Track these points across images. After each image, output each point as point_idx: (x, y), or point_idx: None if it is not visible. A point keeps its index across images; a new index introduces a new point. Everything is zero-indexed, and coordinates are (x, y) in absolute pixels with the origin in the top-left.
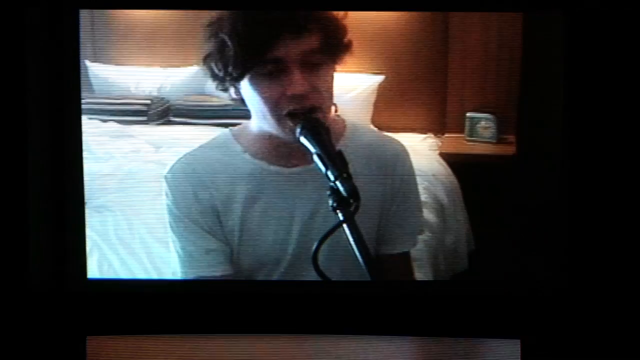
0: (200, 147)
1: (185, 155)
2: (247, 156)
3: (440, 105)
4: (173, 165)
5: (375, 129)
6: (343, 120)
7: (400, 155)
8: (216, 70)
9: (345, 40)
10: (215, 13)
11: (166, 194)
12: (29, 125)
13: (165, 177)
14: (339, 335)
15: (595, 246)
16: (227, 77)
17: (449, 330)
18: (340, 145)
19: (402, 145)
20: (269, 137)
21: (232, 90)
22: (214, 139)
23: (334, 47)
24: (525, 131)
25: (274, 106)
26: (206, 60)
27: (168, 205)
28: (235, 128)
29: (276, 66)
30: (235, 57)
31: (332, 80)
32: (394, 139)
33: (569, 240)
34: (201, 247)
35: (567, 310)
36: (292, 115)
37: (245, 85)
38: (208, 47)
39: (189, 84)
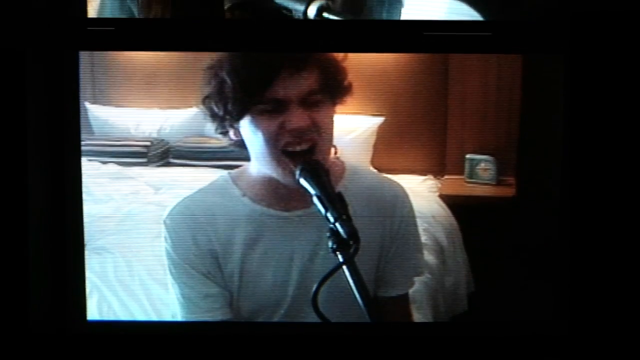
0: (199, 190)
1: (183, 199)
2: (246, 200)
3: (439, 147)
4: (172, 210)
5: (375, 170)
6: (342, 162)
7: (400, 197)
8: (216, 110)
9: (345, 82)
10: (215, 55)
11: (165, 238)
12: (29, 167)
13: (164, 221)
14: None
15: (597, 289)
16: (227, 116)
17: None
18: (339, 187)
19: (401, 187)
20: (268, 180)
21: (231, 132)
22: (212, 183)
23: (334, 89)
24: (525, 173)
25: (273, 146)
26: (205, 100)
27: (167, 249)
28: (234, 171)
29: (276, 106)
30: (234, 96)
31: (332, 121)
32: (393, 180)
33: (570, 283)
34: (200, 292)
35: (567, 353)
36: (291, 155)
37: (244, 125)
38: (207, 89)
39: (189, 125)
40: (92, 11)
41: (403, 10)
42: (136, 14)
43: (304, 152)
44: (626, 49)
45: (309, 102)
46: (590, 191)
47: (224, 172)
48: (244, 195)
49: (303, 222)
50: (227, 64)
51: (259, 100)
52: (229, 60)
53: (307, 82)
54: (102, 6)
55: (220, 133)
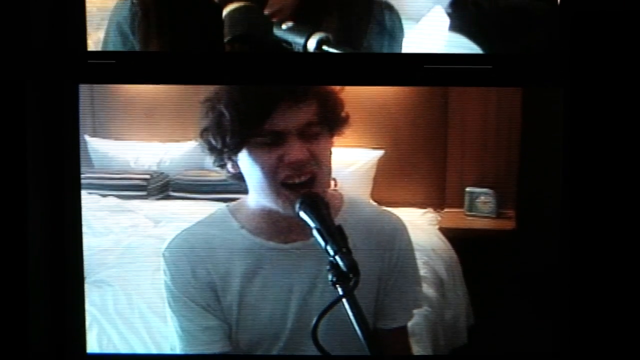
0: (197, 223)
1: (182, 232)
2: (244, 232)
3: (439, 179)
4: (170, 242)
5: (374, 203)
6: (340, 194)
7: (398, 230)
8: (214, 143)
9: (343, 113)
10: (213, 88)
11: (164, 271)
12: (29, 199)
13: (163, 254)
14: None
15: (597, 322)
16: (225, 149)
17: None
18: (337, 219)
19: (400, 220)
20: (267, 212)
21: (229, 164)
22: (211, 215)
23: (332, 120)
24: (524, 206)
25: (272, 177)
26: (203, 133)
27: (166, 282)
28: (232, 204)
29: (274, 138)
30: (232, 129)
31: (331, 153)
32: (391, 213)
33: (570, 315)
34: (199, 325)
35: None
36: (290, 187)
37: (243, 158)
38: (205, 121)
39: (189, 158)
40: (92, 44)
41: (404, 42)
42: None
43: (303, 184)
44: (625, 84)
45: (308, 134)
46: (590, 224)
47: (222, 205)
48: (242, 227)
49: (302, 254)
50: (225, 96)
51: (257, 133)
52: (227, 93)
53: (305, 114)
54: (105, 40)
55: (219, 166)
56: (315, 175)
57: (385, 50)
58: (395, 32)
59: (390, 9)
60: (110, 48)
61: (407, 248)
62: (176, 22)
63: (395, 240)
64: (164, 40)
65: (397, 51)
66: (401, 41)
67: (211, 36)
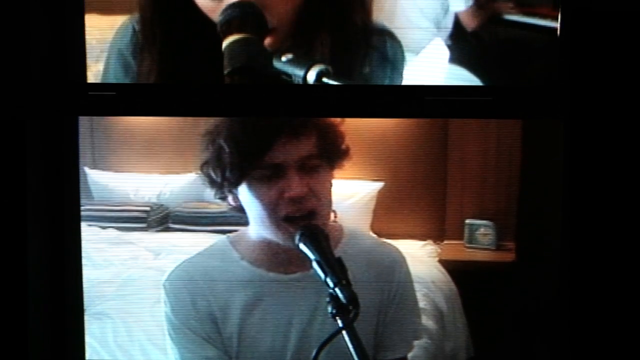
0: (198, 254)
1: (182, 263)
2: (244, 263)
3: (439, 211)
4: (171, 273)
5: (374, 235)
6: (340, 226)
7: (398, 262)
8: (214, 176)
9: (343, 146)
10: (213, 121)
11: (164, 301)
12: (28, 231)
13: (164, 285)
14: None
15: (598, 355)
16: (225, 182)
17: None
18: (337, 251)
19: (399, 252)
20: (267, 244)
21: (230, 197)
22: (211, 246)
23: (332, 153)
24: (524, 238)
25: (273, 211)
26: (204, 167)
27: (166, 313)
28: (233, 235)
29: (274, 171)
30: (232, 163)
31: (331, 185)
32: (391, 245)
33: (570, 349)
34: (199, 356)
35: None
36: (290, 220)
37: (243, 191)
38: (205, 154)
39: (188, 190)
40: (92, 77)
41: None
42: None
43: (304, 217)
44: (626, 117)
45: (308, 167)
46: (590, 257)
47: (223, 236)
48: (242, 258)
49: (302, 286)
50: (225, 130)
51: (257, 166)
52: (227, 126)
53: (305, 146)
54: (106, 67)
55: (219, 198)
56: (315, 208)
57: (387, 79)
58: (397, 61)
59: (392, 37)
60: (111, 75)
61: (406, 280)
62: (177, 52)
63: (395, 272)
64: (164, 69)
65: (398, 80)
66: (402, 70)
67: (211, 68)
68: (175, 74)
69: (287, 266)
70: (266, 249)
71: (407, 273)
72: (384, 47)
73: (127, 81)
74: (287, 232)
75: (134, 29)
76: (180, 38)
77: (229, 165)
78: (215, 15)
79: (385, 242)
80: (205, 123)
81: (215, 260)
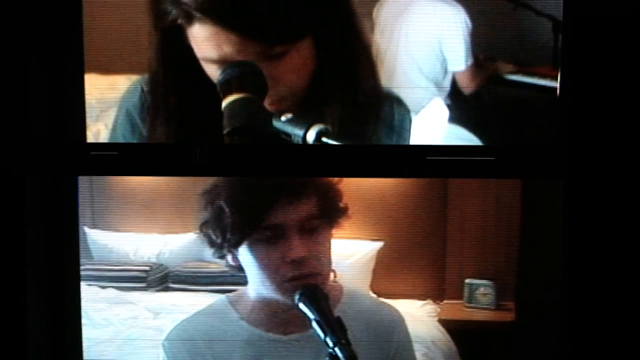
0: (197, 313)
1: (181, 322)
2: (243, 323)
3: (439, 271)
4: (170, 332)
5: (373, 295)
6: (340, 286)
7: (397, 322)
8: (214, 237)
9: (342, 204)
10: (211, 180)
11: None
12: (28, 291)
13: (163, 344)
14: None
15: None
16: (225, 243)
17: None
18: (336, 311)
19: (398, 312)
20: (266, 304)
21: (229, 257)
22: (210, 306)
23: (331, 212)
24: (524, 297)
25: (273, 272)
26: (203, 227)
27: None
28: (232, 294)
29: (274, 232)
30: (233, 224)
31: (330, 245)
32: (390, 305)
33: None
34: None
35: None
36: (291, 281)
37: (243, 252)
38: (205, 215)
39: (188, 250)
40: (92, 136)
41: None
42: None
43: (304, 277)
44: (625, 178)
45: (308, 228)
46: (591, 317)
47: (221, 296)
48: (241, 318)
49: (301, 346)
50: (225, 191)
51: (257, 227)
52: (226, 187)
53: (305, 206)
54: (114, 127)
55: (219, 257)
56: (315, 269)
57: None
58: (403, 127)
59: (400, 103)
60: (119, 134)
61: (405, 340)
62: (184, 112)
63: (394, 333)
64: (171, 130)
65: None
66: (408, 137)
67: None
68: (182, 132)
69: (286, 326)
70: (265, 308)
71: (406, 333)
72: (392, 113)
73: (134, 140)
74: (286, 292)
75: (142, 89)
76: (189, 96)
77: (230, 226)
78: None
79: (384, 302)
80: (204, 183)
81: (214, 320)
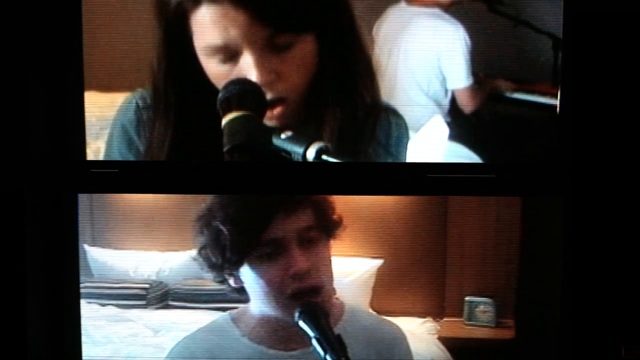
0: (199, 330)
1: (184, 339)
2: (245, 340)
3: (439, 289)
4: (172, 349)
5: (373, 312)
6: (342, 303)
7: (398, 339)
8: (214, 260)
9: (335, 216)
10: (204, 205)
11: None
12: (27, 309)
13: None
14: None
15: None
16: (226, 264)
17: None
18: (338, 328)
19: (399, 329)
20: (268, 321)
21: (231, 280)
22: (212, 322)
23: (326, 224)
24: (524, 315)
25: (276, 288)
26: (202, 251)
27: None
28: (235, 312)
29: (274, 247)
30: (232, 243)
31: (330, 258)
32: (391, 322)
33: None
34: None
35: None
36: (295, 296)
37: (245, 271)
38: (201, 239)
39: (188, 268)
40: (92, 154)
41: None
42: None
43: (308, 292)
44: (625, 195)
45: (307, 240)
46: (591, 335)
47: (224, 313)
48: (243, 335)
49: None
50: (220, 212)
51: (257, 244)
52: (221, 208)
53: (302, 219)
54: (109, 142)
55: (218, 282)
56: (318, 283)
57: (391, 158)
58: (401, 139)
59: (397, 115)
60: (115, 150)
61: (407, 357)
62: (180, 129)
63: (395, 350)
64: (164, 149)
65: (402, 158)
66: (406, 149)
67: (211, 146)
68: (179, 149)
69: (287, 343)
70: (267, 325)
71: (408, 351)
72: (389, 126)
73: (130, 157)
74: (286, 309)
75: (137, 104)
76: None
77: (229, 246)
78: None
79: (385, 319)
80: (197, 208)
81: (216, 337)
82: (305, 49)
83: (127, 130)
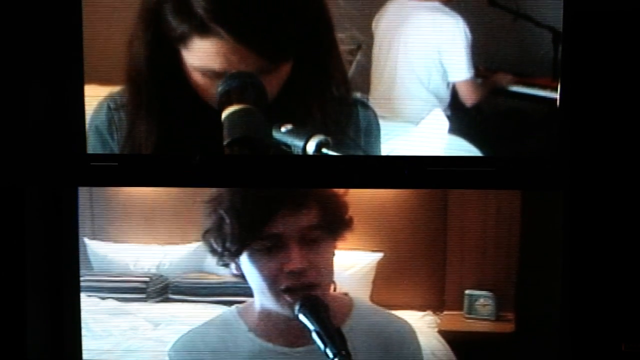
0: (205, 324)
1: (189, 332)
2: (251, 335)
3: (439, 282)
4: (175, 342)
5: (382, 308)
6: (350, 299)
7: (407, 335)
8: (215, 246)
9: (347, 216)
10: (215, 189)
11: None
12: (28, 302)
13: (168, 354)
14: None
15: None
16: (226, 252)
17: None
18: (346, 325)
19: (408, 325)
20: (269, 315)
21: (233, 266)
22: (219, 316)
23: (334, 224)
24: (524, 308)
25: (272, 282)
26: (205, 236)
27: None
28: (241, 306)
29: (275, 241)
30: (233, 234)
31: (332, 257)
32: (400, 318)
33: None
34: None
35: None
36: (290, 291)
37: (244, 262)
38: (207, 223)
39: (188, 261)
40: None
41: (403, 146)
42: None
43: (303, 288)
44: (625, 189)
45: (308, 239)
46: (590, 327)
47: (226, 307)
48: (249, 330)
49: (305, 358)
50: (226, 200)
51: (257, 237)
52: (228, 197)
53: (305, 217)
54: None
55: (222, 265)
56: (315, 280)
57: (361, 151)
58: (371, 129)
59: (365, 106)
60: (91, 150)
61: (416, 352)
62: (169, 124)
63: (404, 346)
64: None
65: (375, 151)
66: (379, 138)
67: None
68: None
69: (292, 339)
70: (269, 320)
71: (418, 347)
72: (357, 116)
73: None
74: (286, 303)
75: (109, 107)
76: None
77: (230, 236)
78: (209, 95)
79: (394, 315)
80: (206, 195)
81: (221, 331)
82: (286, 68)
83: (100, 131)
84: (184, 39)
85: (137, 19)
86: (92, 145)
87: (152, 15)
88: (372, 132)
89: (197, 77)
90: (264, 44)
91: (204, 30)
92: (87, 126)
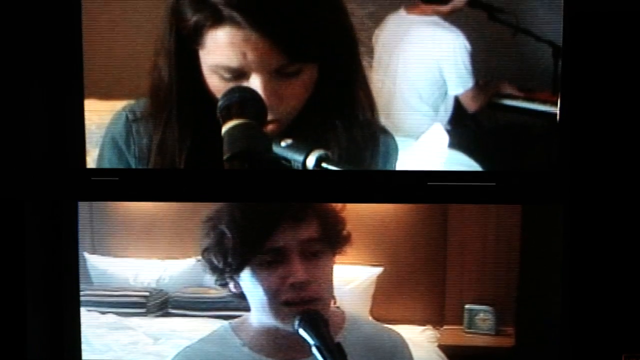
0: (200, 340)
1: (184, 349)
2: (246, 350)
3: (439, 297)
4: (173, 359)
5: (375, 320)
6: (342, 312)
7: (399, 347)
8: (215, 262)
9: (345, 232)
10: (214, 207)
11: None
12: (27, 316)
13: None
14: None
15: None
16: (227, 268)
17: None
18: (339, 336)
19: (401, 337)
20: (268, 330)
21: (231, 284)
22: (213, 332)
23: (333, 238)
24: (524, 323)
25: (273, 297)
26: (205, 253)
27: None
28: (235, 321)
29: (275, 256)
30: (234, 248)
31: (332, 271)
32: (392, 330)
33: None
34: None
35: None
36: (290, 306)
37: (244, 278)
38: (207, 241)
39: (188, 275)
40: (92, 162)
41: (403, 160)
42: (133, 166)
43: (304, 302)
44: (625, 203)
45: (309, 253)
46: (591, 343)
47: (223, 322)
48: (244, 345)
49: None
50: (226, 216)
51: (258, 251)
52: (228, 212)
53: (305, 231)
54: (100, 154)
55: (220, 285)
56: (316, 294)
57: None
58: (389, 155)
59: (385, 132)
60: (105, 162)
61: None
62: (177, 139)
63: (396, 357)
64: (164, 158)
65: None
66: (395, 164)
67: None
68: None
69: (288, 353)
70: (267, 335)
71: (410, 358)
72: (377, 141)
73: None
74: (286, 318)
75: (127, 117)
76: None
77: (231, 251)
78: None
79: (386, 327)
80: (206, 209)
81: (216, 347)
82: (309, 75)
83: (116, 142)
84: (200, 31)
85: (161, 23)
86: (107, 157)
87: (173, 13)
88: (390, 158)
89: (214, 81)
90: (285, 37)
91: (221, 21)
92: (102, 137)
